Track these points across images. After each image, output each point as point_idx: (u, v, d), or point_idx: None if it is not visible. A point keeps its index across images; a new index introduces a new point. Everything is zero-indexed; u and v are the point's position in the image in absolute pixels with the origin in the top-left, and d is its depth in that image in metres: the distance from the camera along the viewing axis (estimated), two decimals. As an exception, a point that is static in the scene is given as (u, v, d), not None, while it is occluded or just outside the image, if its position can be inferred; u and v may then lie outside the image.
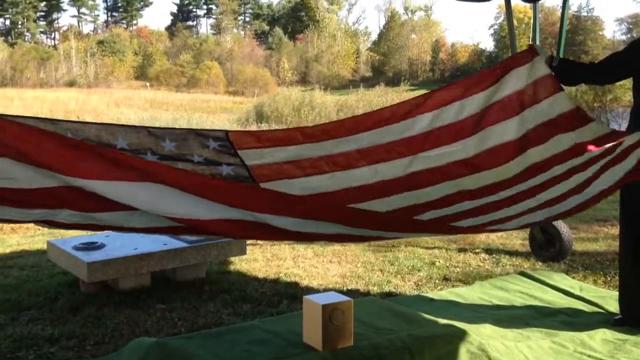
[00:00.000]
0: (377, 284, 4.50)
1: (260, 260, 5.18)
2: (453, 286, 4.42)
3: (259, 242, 5.73)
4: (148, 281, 4.34)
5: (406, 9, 67.96)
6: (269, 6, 68.10)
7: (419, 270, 4.83)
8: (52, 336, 3.46)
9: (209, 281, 4.53)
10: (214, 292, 4.28)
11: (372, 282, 4.55)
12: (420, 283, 4.53)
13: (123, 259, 4.14)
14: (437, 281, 4.57)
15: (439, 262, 5.07)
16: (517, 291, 4.20)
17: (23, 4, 58.90)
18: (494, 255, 5.27)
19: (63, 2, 61.57)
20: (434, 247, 5.55)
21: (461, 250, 5.45)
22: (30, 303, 4.04)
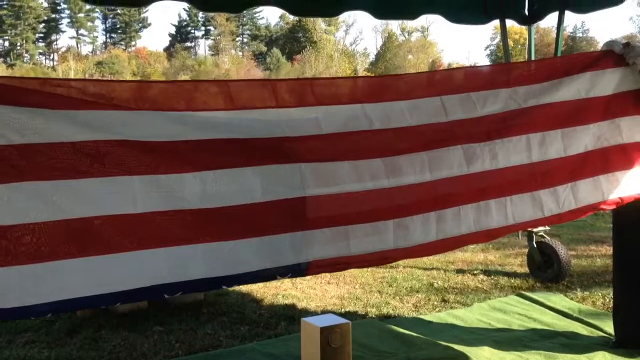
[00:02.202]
0: (375, 305, 4.49)
1: (258, 281, 5.16)
2: (452, 308, 4.41)
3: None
4: (145, 303, 4.32)
5: (403, 30, 68.64)
6: (267, 27, 68.76)
7: (417, 292, 4.82)
8: (48, 359, 3.44)
9: (207, 303, 4.51)
10: (212, 315, 4.26)
11: (370, 303, 4.54)
12: (418, 305, 4.52)
13: (120, 281, 4.13)
14: (435, 303, 4.56)
15: (437, 283, 5.06)
16: (515, 313, 4.19)
17: (22, 26, 59.39)
18: (492, 276, 5.26)
19: (62, 23, 62.15)
20: (432, 268, 5.54)
21: (459, 271, 5.45)
22: (27, 325, 4.01)
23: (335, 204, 2.64)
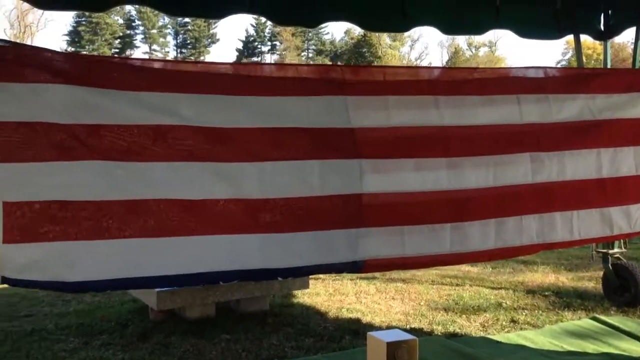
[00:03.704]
0: (441, 323, 4.41)
1: (322, 294, 5.18)
2: (521, 329, 4.28)
3: (321, 276, 5.74)
4: (213, 311, 4.41)
5: (470, 45, 67.64)
6: (332, 42, 69.25)
7: (484, 311, 4.71)
8: (122, 362, 3.57)
9: (272, 314, 4.56)
10: (277, 325, 4.30)
11: (436, 321, 4.47)
12: (486, 324, 4.42)
13: (190, 289, 4.23)
14: (504, 323, 4.44)
15: (505, 303, 4.93)
16: (589, 337, 4.02)
17: (99, 41, 62.08)
18: (564, 298, 5.08)
19: (136, 39, 64.64)
20: (501, 287, 5.40)
21: (529, 291, 5.29)
22: (102, 328, 4.17)
23: (393, 203, 2.63)
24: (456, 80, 2.81)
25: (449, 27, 4.59)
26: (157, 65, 2.50)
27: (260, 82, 2.50)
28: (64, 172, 2.15)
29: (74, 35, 60.98)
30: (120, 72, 2.29)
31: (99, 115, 2.20)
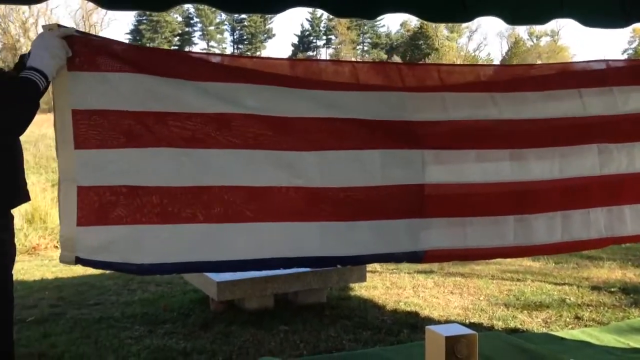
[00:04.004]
0: (501, 318, 4.33)
1: (379, 287, 5.17)
2: (586, 325, 4.16)
3: (378, 269, 5.73)
4: (271, 303, 4.48)
5: (531, 34, 65.69)
6: (388, 35, 68.70)
7: (547, 307, 4.59)
8: (185, 350, 3.67)
9: (329, 306, 4.59)
10: (335, 317, 4.33)
11: (496, 316, 4.39)
12: (549, 320, 4.31)
13: (249, 280, 4.31)
14: (567, 319, 4.32)
15: (569, 299, 4.80)
16: (658, 335, 3.87)
17: (159, 39, 63.70)
18: (631, 294, 4.89)
19: (194, 36, 66.06)
20: (564, 283, 5.25)
21: (594, 287, 5.12)
22: (165, 317, 4.31)
23: (455, 193, 2.61)
24: (513, 78, 2.77)
25: (513, 17, 4.46)
26: (217, 59, 2.56)
27: (317, 77, 2.53)
28: (132, 158, 2.23)
29: (136, 34, 62.77)
30: (184, 63, 2.36)
31: (165, 103, 2.27)
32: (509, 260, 5.91)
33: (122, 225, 2.22)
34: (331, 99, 2.48)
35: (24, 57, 2.13)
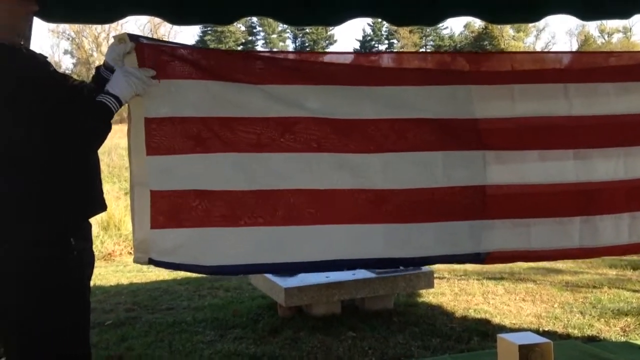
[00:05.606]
0: (577, 327, 4.18)
1: (448, 294, 5.09)
2: (669, 335, 3.96)
3: (446, 275, 5.64)
4: (338, 309, 4.49)
5: (602, 31, 63.22)
6: (451, 37, 67.78)
7: (626, 315, 4.39)
8: (255, 355, 3.73)
9: (396, 312, 4.56)
10: (402, 324, 4.29)
11: (571, 324, 4.24)
12: (627, 329, 4.12)
13: (316, 287, 4.34)
14: (648, 328, 4.12)
15: (649, 307, 4.58)
16: None
17: (224, 47, 65.53)
18: None
19: (257, 45, 67.32)
20: (643, 290, 5.02)
21: (677, 295, 4.87)
22: (235, 322, 4.39)
23: (518, 195, 2.55)
24: (589, 67, 2.66)
25: (587, 13, 4.29)
26: (279, 57, 2.59)
27: (381, 72, 2.52)
28: (200, 163, 2.29)
29: (201, 44, 64.57)
30: (248, 66, 2.40)
31: (230, 108, 2.33)
32: (583, 267, 5.71)
33: (191, 228, 2.29)
34: (394, 96, 2.48)
35: (99, 69, 2.24)
